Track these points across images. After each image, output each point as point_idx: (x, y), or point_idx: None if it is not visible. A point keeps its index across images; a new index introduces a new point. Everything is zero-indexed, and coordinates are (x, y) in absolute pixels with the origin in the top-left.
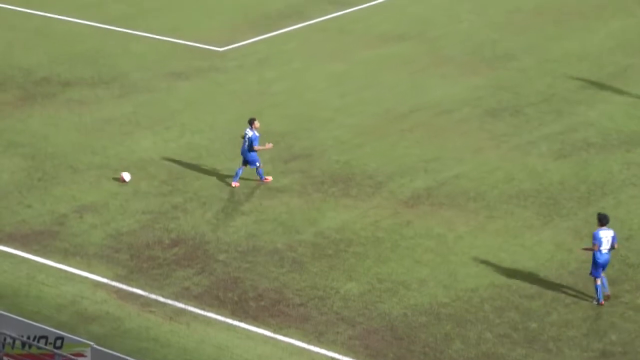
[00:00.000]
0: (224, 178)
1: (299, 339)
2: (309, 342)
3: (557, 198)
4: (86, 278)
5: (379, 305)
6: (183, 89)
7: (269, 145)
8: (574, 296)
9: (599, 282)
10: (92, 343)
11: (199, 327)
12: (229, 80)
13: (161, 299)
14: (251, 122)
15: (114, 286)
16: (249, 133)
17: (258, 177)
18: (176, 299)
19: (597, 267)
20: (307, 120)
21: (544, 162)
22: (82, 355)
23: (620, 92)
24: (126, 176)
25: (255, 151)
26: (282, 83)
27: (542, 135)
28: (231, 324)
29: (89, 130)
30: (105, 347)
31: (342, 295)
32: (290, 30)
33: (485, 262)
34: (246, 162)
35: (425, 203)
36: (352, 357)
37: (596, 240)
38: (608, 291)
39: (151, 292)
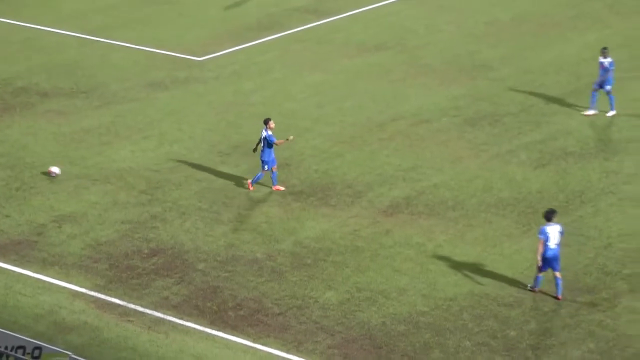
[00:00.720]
0: (203, 187)
1: (278, 348)
2: (287, 351)
3: (536, 207)
4: (64, 288)
5: (358, 314)
6: (162, 99)
7: (292, 138)
8: (553, 304)
9: (540, 274)
10: (70, 353)
11: (177, 336)
12: (208, 90)
13: (140, 309)
14: (266, 122)
15: (92, 296)
16: (264, 133)
17: (272, 182)
18: (155, 308)
19: (544, 261)
20: (286, 130)
21: (523, 171)
22: None
23: (597, 101)
24: (55, 170)
25: (273, 147)
26: (261, 93)
27: (521, 145)
28: (210, 334)
29: (68, 140)
30: (83, 357)
31: (321, 304)
32: (270, 40)
33: (464, 271)
34: (264, 164)
35: (405, 212)
36: None
37: (542, 235)
38: (560, 295)
39: (130, 301)
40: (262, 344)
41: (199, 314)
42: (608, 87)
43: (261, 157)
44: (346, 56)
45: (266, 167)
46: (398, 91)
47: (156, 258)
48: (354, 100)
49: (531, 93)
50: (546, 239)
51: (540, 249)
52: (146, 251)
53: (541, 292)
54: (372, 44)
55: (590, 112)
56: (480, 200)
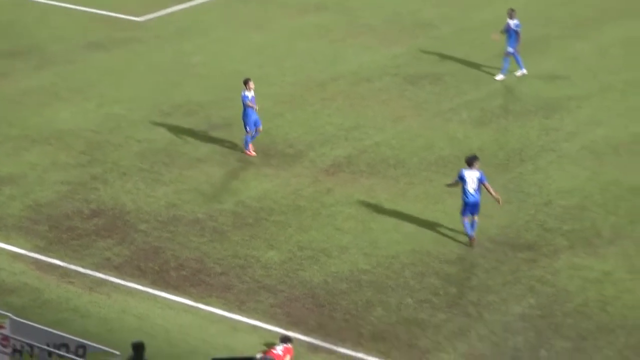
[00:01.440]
0: (143, 148)
1: (220, 308)
2: (230, 311)
3: None
4: (4, 250)
5: (300, 273)
6: (102, 59)
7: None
8: (494, 261)
9: (466, 220)
10: (10, 314)
11: (119, 297)
12: (149, 51)
13: (81, 270)
14: (245, 82)
15: (32, 257)
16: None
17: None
18: (96, 269)
19: (464, 207)
20: (227, 90)
21: (464, 129)
22: (1, 327)
23: (537, 60)
24: None
25: (247, 110)
26: (202, 53)
27: (462, 103)
28: (152, 294)
29: (7, 102)
30: (24, 319)
31: (263, 263)
32: (210, 0)
33: (406, 229)
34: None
35: (346, 171)
36: (274, 325)
37: (459, 178)
38: (474, 235)
39: (71, 262)
40: (205, 304)
41: (140, 275)
42: (510, 49)
43: (242, 117)
44: (287, 16)
45: (247, 128)
46: (338, 51)
47: (97, 219)
48: (295, 60)
49: (471, 52)
50: (464, 183)
51: (453, 184)
52: (87, 212)
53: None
54: (312, 3)
55: (519, 72)
56: (422, 159)
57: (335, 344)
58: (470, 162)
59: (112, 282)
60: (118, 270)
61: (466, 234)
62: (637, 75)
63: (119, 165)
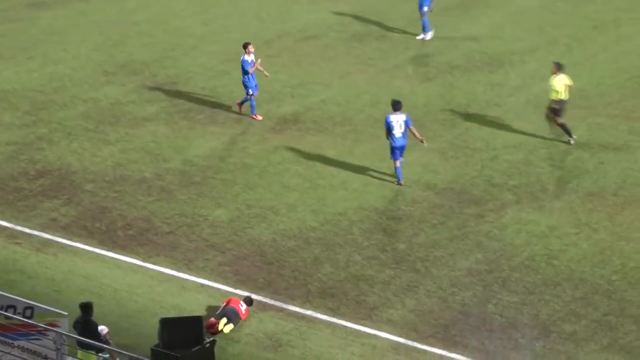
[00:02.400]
0: (88, 108)
1: (168, 267)
2: (178, 270)
3: (423, 120)
4: None
5: (248, 231)
6: (45, 18)
7: (266, 74)
8: (441, 217)
9: (397, 164)
10: None
11: (66, 257)
12: (92, 9)
13: (28, 231)
14: (245, 46)
15: None
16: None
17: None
18: (43, 230)
19: (393, 150)
20: (171, 49)
21: (410, 85)
22: None
23: (483, 14)
24: None
25: (248, 75)
26: (145, 11)
27: (408, 59)
28: (99, 254)
29: None
30: None
31: (210, 222)
32: None
33: (354, 186)
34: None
35: (293, 128)
36: (222, 284)
37: (386, 124)
38: (401, 181)
39: (17, 223)
40: (153, 263)
41: (87, 235)
42: (425, 9)
43: (242, 81)
44: None
45: (250, 91)
46: (283, 7)
47: (43, 179)
48: (239, 18)
49: (415, 7)
50: (391, 128)
51: (388, 136)
52: (33, 173)
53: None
54: None
55: (428, 35)
56: (368, 115)
57: (284, 302)
58: (396, 106)
59: (59, 243)
60: (65, 231)
61: (396, 177)
62: (581, 30)
63: (65, 125)
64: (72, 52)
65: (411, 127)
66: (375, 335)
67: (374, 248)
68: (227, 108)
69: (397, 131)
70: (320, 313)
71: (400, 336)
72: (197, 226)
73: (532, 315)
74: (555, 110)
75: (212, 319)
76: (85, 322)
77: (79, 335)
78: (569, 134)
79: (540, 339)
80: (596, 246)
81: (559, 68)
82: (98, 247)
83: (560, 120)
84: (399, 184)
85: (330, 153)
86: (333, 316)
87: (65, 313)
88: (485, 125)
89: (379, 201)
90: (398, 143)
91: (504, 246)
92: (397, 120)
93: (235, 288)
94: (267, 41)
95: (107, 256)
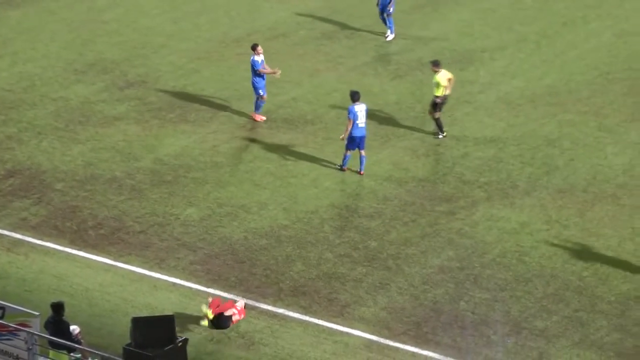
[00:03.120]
0: (58, 107)
1: (140, 266)
2: (150, 269)
3: (394, 118)
4: None
5: (220, 230)
6: (14, 17)
7: (277, 71)
8: (412, 214)
9: (348, 153)
10: None
11: (37, 257)
12: (61, 7)
13: None
14: (253, 48)
15: None
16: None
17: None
18: (13, 229)
19: (352, 140)
20: (141, 47)
21: (380, 82)
22: None
23: (452, 11)
24: None
25: (259, 76)
26: (115, 9)
27: (378, 56)
28: (70, 253)
29: None
30: None
31: (182, 221)
32: None
33: (325, 184)
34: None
35: (264, 126)
36: (194, 282)
37: (351, 114)
38: (362, 171)
39: None
40: (124, 262)
41: (58, 234)
42: (391, 9)
43: (252, 83)
44: None
45: (260, 92)
46: (253, 5)
47: (13, 179)
48: (209, 15)
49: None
50: (355, 118)
51: (349, 128)
52: (2, 172)
53: (349, 169)
54: None
55: (390, 36)
56: (339, 113)
57: (256, 300)
58: (355, 96)
59: (29, 242)
60: (35, 230)
61: (340, 167)
62: (551, 27)
63: (34, 124)
64: (41, 51)
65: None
66: (347, 333)
67: (346, 246)
68: (198, 106)
69: (360, 121)
70: (292, 311)
71: (373, 334)
72: (169, 225)
73: (503, 312)
74: (437, 105)
75: (223, 304)
76: (56, 322)
77: (51, 335)
78: (441, 130)
79: (512, 336)
80: (567, 242)
81: (438, 65)
82: (69, 247)
83: (437, 114)
84: (342, 169)
85: (301, 151)
86: (305, 314)
87: (37, 313)
88: (455, 122)
89: (350, 199)
90: (359, 133)
91: (475, 243)
92: (360, 110)
93: (207, 287)
94: (237, 39)
95: (78, 255)
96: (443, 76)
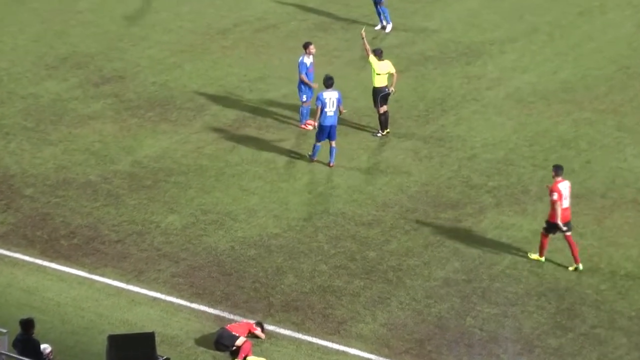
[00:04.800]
0: (28, 104)
1: (117, 279)
2: (127, 282)
3: (395, 117)
4: None
5: (204, 239)
6: None
7: (315, 85)
8: (414, 222)
9: (318, 143)
10: None
11: (5, 269)
12: None
13: None
14: (305, 47)
15: None
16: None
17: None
18: None
19: (322, 130)
20: (118, 39)
21: None
22: None
23: (457, 0)
24: None
25: (303, 83)
26: None
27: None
28: (41, 265)
29: None
30: None
31: (163, 229)
32: None
33: (319, 188)
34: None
35: (252, 126)
36: (176, 297)
37: (318, 101)
38: (332, 163)
39: None
40: (99, 275)
41: (28, 244)
42: None
43: (297, 86)
44: None
45: (304, 97)
46: None
47: None
48: (193, 5)
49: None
50: (323, 106)
51: (318, 116)
52: None
53: (318, 161)
54: None
55: (388, 26)
56: None
57: (244, 316)
58: (328, 82)
59: None
60: (3, 240)
61: (310, 157)
62: (565, 17)
63: (1, 124)
64: (9, 44)
65: (340, 106)
66: (344, 352)
67: (342, 257)
68: (180, 104)
69: (330, 109)
70: (284, 328)
71: (372, 352)
72: (148, 234)
73: (514, 329)
74: (381, 98)
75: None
76: (26, 340)
77: (20, 354)
78: (381, 127)
79: (524, 354)
80: (583, 252)
81: (380, 54)
82: (39, 258)
83: (382, 109)
84: (311, 160)
85: (293, 153)
86: (298, 331)
87: (4, 330)
88: (462, 122)
89: (346, 205)
90: (329, 122)
91: (483, 253)
92: (330, 98)
93: (190, 301)
94: (223, 31)
95: (49, 267)
96: (383, 66)
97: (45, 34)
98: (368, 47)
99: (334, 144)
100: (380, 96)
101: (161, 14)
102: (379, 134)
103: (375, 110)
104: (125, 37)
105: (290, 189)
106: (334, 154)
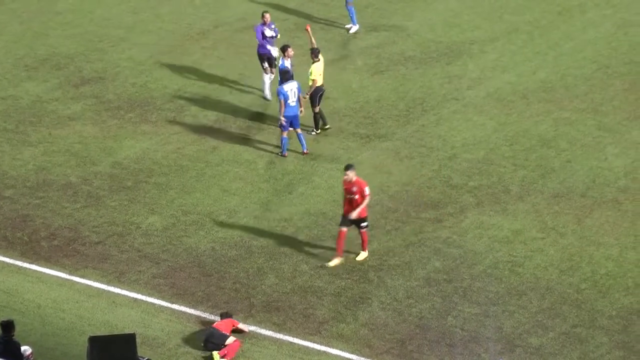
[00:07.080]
0: (7, 106)
1: (98, 280)
2: (108, 283)
3: (375, 117)
4: None
5: (185, 240)
6: None
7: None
8: (395, 222)
9: (285, 134)
10: None
11: None
12: None
13: None
14: (283, 50)
15: None
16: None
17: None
18: None
19: (286, 121)
20: (98, 40)
21: (359, 78)
22: None
23: (438, 0)
24: None
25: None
26: None
27: (357, 49)
28: (21, 267)
29: None
30: None
31: (143, 230)
32: None
33: (299, 189)
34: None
35: (232, 126)
36: (157, 298)
37: (281, 95)
38: (305, 149)
39: None
40: (80, 276)
41: (8, 246)
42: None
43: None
44: None
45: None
46: None
47: None
48: (172, 6)
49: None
50: (286, 98)
51: (282, 110)
52: None
53: (293, 154)
54: None
55: (354, 28)
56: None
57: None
58: (286, 75)
59: None
60: None
61: (281, 154)
62: (544, 16)
63: None
64: None
65: (300, 95)
66: (325, 352)
67: (323, 257)
68: (160, 105)
69: (291, 100)
70: (265, 328)
71: (353, 352)
72: (129, 235)
73: (495, 328)
74: (316, 98)
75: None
76: (6, 342)
77: None
78: (316, 126)
79: (505, 354)
80: (564, 252)
81: (317, 54)
82: (19, 259)
83: (317, 108)
84: (282, 155)
85: (274, 153)
86: (279, 332)
87: None
88: (442, 122)
89: (327, 205)
90: (292, 112)
91: (464, 253)
92: (292, 89)
93: (171, 302)
94: (203, 32)
95: (29, 269)
96: (319, 67)
97: (25, 35)
98: (314, 42)
99: (299, 130)
100: (319, 95)
101: (140, 15)
102: (314, 132)
103: (312, 109)
104: (105, 38)
105: (271, 190)
106: (303, 141)
